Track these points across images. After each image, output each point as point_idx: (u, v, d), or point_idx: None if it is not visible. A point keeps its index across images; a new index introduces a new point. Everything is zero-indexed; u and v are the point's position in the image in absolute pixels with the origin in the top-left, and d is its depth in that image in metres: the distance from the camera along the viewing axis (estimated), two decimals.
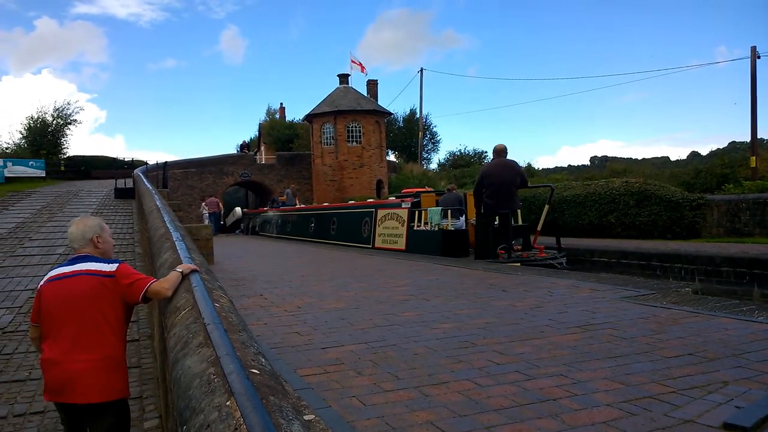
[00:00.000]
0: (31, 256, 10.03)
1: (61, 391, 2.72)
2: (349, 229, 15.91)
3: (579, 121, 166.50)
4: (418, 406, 2.99)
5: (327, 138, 30.22)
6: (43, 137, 32.42)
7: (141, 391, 4.66)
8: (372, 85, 36.03)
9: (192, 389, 1.60)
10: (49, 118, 32.99)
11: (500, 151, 10.31)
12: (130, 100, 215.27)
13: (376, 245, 14.09)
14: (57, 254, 10.01)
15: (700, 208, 15.20)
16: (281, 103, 49.98)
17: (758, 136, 23.81)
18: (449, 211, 11.57)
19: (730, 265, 11.17)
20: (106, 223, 3.26)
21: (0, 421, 4.18)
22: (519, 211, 11.41)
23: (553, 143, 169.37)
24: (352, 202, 19.13)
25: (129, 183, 20.55)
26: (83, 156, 35.98)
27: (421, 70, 37.04)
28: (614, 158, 71.50)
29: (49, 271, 3.01)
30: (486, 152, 42.83)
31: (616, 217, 16.15)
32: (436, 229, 11.52)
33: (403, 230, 12.93)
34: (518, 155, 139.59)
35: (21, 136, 32.78)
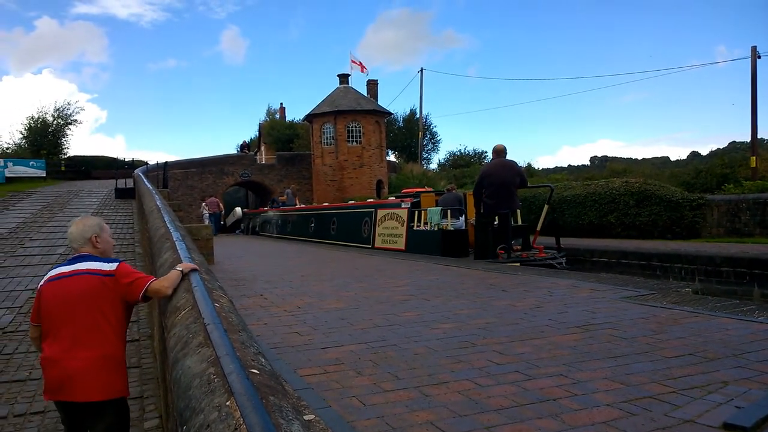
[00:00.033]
0: (31, 256, 10.04)
1: (60, 389, 2.73)
2: (349, 229, 15.91)
3: (579, 121, 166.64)
4: (418, 406, 2.99)
5: (327, 138, 30.22)
6: (44, 137, 32.44)
7: (141, 391, 4.66)
8: (372, 85, 36.04)
9: (192, 389, 1.60)
10: (50, 118, 33.06)
11: (500, 152, 10.31)
12: (131, 100, 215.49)
13: (375, 245, 14.09)
14: (57, 254, 10.01)
15: (700, 208, 15.20)
16: (281, 103, 50.10)
17: (758, 136, 23.84)
18: (449, 211, 11.57)
19: (730, 265, 11.17)
20: (107, 223, 3.27)
21: (0, 421, 4.18)
22: (519, 211, 11.41)
23: (553, 143, 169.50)
24: (352, 202, 19.14)
25: (129, 183, 20.56)
26: (84, 156, 35.98)
27: (421, 70, 37.09)
28: (614, 158, 71.55)
29: (49, 270, 3.02)
30: (486, 152, 42.85)
31: (616, 217, 16.15)
32: (436, 229, 11.53)
33: (403, 230, 12.93)
34: (518, 155, 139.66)
35: (21, 136, 32.87)
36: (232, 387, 1.43)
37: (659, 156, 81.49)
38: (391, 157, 43.07)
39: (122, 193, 19.82)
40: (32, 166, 28.34)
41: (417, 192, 14.60)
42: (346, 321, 5.24)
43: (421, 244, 12.08)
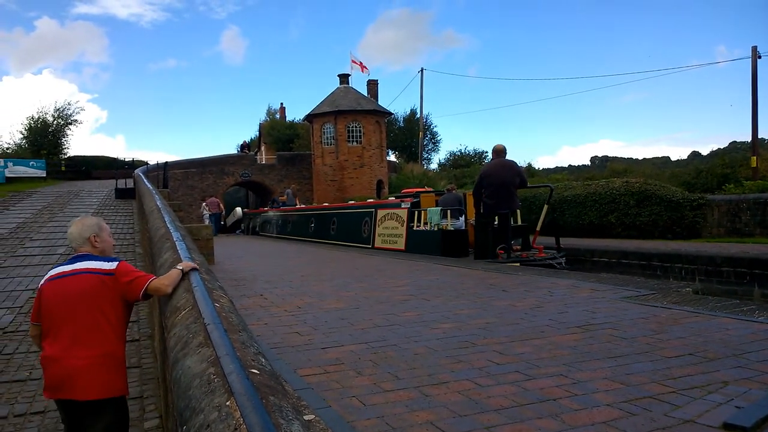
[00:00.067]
0: (32, 256, 10.04)
1: (60, 387, 2.74)
2: (349, 229, 15.91)
3: (579, 121, 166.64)
4: (418, 406, 2.99)
5: (327, 138, 30.22)
6: (44, 137, 32.44)
7: (141, 390, 4.66)
8: (372, 85, 36.05)
9: (192, 389, 1.60)
10: (50, 119, 33.05)
11: (499, 152, 10.32)
12: (131, 101, 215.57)
13: (375, 245, 14.09)
14: (58, 254, 10.01)
15: (700, 208, 15.20)
16: (281, 103, 50.09)
17: (759, 136, 23.82)
18: (449, 211, 11.57)
19: (730, 265, 11.17)
20: (107, 224, 3.28)
21: (1, 421, 4.19)
22: (518, 211, 11.41)
23: (554, 143, 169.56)
24: (352, 202, 19.14)
25: (129, 183, 20.57)
26: (84, 156, 35.97)
27: (422, 70, 37.07)
28: (615, 158, 71.56)
29: (50, 270, 3.03)
30: (486, 152, 42.84)
31: (616, 217, 16.15)
32: (436, 229, 11.53)
33: (403, 230, 12.93)
34: (519, 155, 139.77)
35: (22, 136, 32.87)
36: (232, 387, 1.43)
37: (660, 156, 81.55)
38: (392, 157, 43.09)
39: (122, 194, 19.83)
40: (32, 166, 28.34)
41: (417, 192, 14.61)
42: (346, 321, 5.24)
43: (420, 244, 12.08)
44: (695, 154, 71.06)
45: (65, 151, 34.38)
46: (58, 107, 33.43)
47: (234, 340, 1.84)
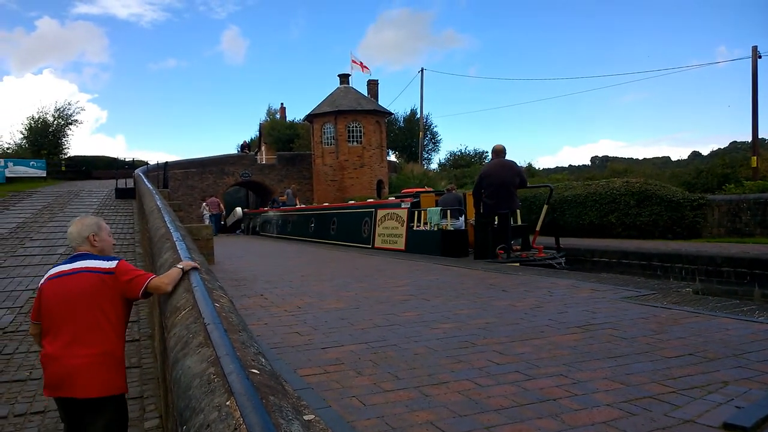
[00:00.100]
0: (32, 256, 10.04)
1: (60, 385, 2.75)
2: (349, 229, 15.91)
3: (580, 121, 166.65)
4: (418, 406, 2.99)
5: (327, 138, 30.23)
6: (44, 137, 32.46)
7: (141, 390, 4.66)
8: (372, 85, 36.05)
9: (192, 389, 1.60)
10: (50, 119, 33.07)
11: (499, 152, 10.33)
12: (131, 101, 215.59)
13: (375, 245, 14.09)
14: (58, 254, 10.01)
15: (700, 208, 15.20)
16: (282, 103, 50.10)
17: (759, 136, 23.82)
18: (448, 211, 11.57)
19: (730, 265, 11.17)
20: (107, 223, 3.28)
21: (1, 421, 4.19)
22: (518, 211, 11.41)
23: (554, 143, 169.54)
24: (353, 202, 19.15)
25: (130, 183, 20.57)
26: (84, 156, 36.00)
27: (422, 70, 37.08)
28: (615, 158, 71.56)
29: (50, 269, 3.04)
30: (486, 152, 42.81)
31: (616, 217, 16.15)
32: (436, 229, 11.53)
33: (403, 230, 12.93)
34: (519, 155, 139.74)
35: (22, 136, 32.89)
36: (232, 387, 1.43)
37: (660, 156, 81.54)
38: (392, 157, 43.10)
39: (123, 193, 19.83)
40: (33, 166, 28.36)
41: (417, 192, 14.61)
42: (346, 321, 5.24)
43: (420, 244, 12.08)
44: (695, 154, 71.10)
45: (65, 151, 34.45)
46: (58, 107, 33.52)
47: (234, 340, 1.84)
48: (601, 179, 19.79)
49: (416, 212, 12.53)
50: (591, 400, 2.99)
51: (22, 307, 7.01)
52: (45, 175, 28.42)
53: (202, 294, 2.44)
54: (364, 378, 3.51)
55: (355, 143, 29.97)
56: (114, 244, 3.30)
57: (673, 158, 77.36)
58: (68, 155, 34.53)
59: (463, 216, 11.75)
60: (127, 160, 35.83)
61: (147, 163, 29.89)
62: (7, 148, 32.35)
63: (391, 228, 13.57)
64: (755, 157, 21.58)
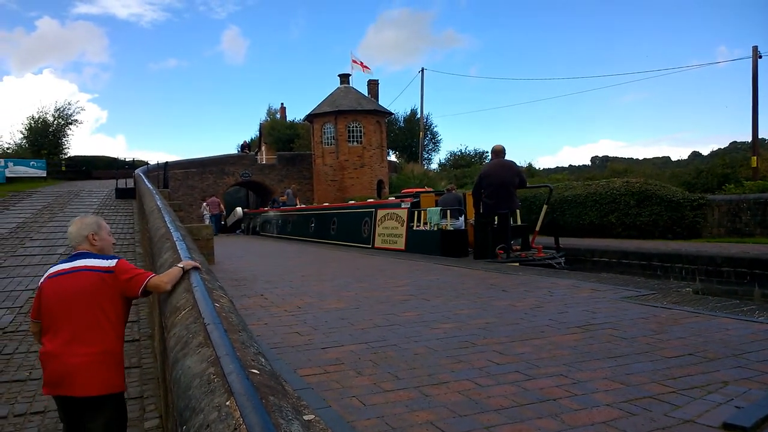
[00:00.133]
0: (32, 256, 10.04)
1: (59, 384, 2.76)
2: (349, 229, 15.92)
3: (580, 122, 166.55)
4: (418, 406, 2.99)
5: (328, 138, 30.22)
6: (44, 137, 32.46)
7: (141, 391, 4.66)
8: (373, 85, 36.03)
9: (192, 389, 1.60)
10: (50, 118, 33.06)
11: (498, 152, 10.35)
12: (132, 101, 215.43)
13: (375, 245, 14.09)
14: (58, 254, 10.01)
15: (700, 208, 15.20)
16: (282, 103, 50.10)
17: (759, 136, 23.81)
18: (448, 211, 11.58)
19: (730, 265, 11.17)
20: (107, 223, 3.29)
21: (0, 421, 4.19)
22: (518, 211, 11.42)
23: (554, 143, 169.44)
24: (353, 202, 19.15)
25: (130, 183, 20.57)
26: (84, 156, 36.00)
27: (422, 70, 37.09)
28: (615, 158, 71.52)
29: (50, 268, 3.05)
30: (487, 152, 42.80)
31: (616, 217, 16.15)
32: (436, 229, 11.53)
33: (403, 230, 12.93)
34: (519, 155, 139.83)
35: (22, 136, 32.88)
36: (232, 387, 1.43)
37: (660, 156, 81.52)
38: (392, 157, 43.11)
39: (123, 193, 19.83)
40: (33, 166, 28.35)
41: (417, 192, 14.61)
42: (347, 321, 5.24)
43: (420, 244, 12.08)
44: (696, 154, 71.09)
45: (65, 151, 34.45)
46: (58, 107, 33.50)
47: (234, 340, 1.84)
48: (601, 179, 19.80)
49: (416, 212, 12.53)
50: (591, 400, 2.99)
51: (21, 307, 7.01)
52: (45, 175, 28.42)
53: (202, 294, 2.43)
54: (364, 378, 3.51)
55: (355, 143, 29.97)
56: (114, 244, 3.30)
57: (673, 158, 77.43)
58: (68, 155, 34.55)
59: (462, 216, 11.75)
60: (127, 160, 35.83)
61: (147, 163, 29.88)
62: (7, 148, 32.36)
63: (391, 228, 13.58)
64: (755, 157, 21.58)
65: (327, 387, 3.36)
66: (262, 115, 59.37)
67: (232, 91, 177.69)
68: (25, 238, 11.82)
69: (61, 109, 33.43)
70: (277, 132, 42.06)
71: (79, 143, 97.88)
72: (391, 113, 34.85)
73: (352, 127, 29.91)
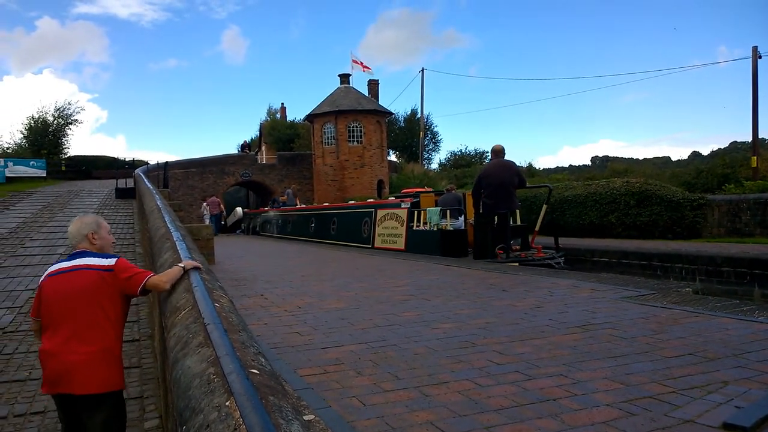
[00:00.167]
0: (32, 255, 10.04)
1: (58, 381, 2.77)
2: (349, 229, 15.92)
3: (580, 122, 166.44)
4: (418, 406, 2.99)
5: (328, 138, 30.22)
6: (44, 137, 32.46)
7: (141, 391, 4.66)
8: (373, 85, 36.02)
9: (192, 389, 1.60)
10: (50, 118, 33.08)
11: (498, 152, 10.36)
12: (132, 100, 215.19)
13: (375, 245, 14.10)
14: (58, 254, 10.01)
15: (700, 208, 15.20)
16: (282, 103, 50.11)
17: (759, 136, 23.82)
18: (448, 211, 11.58)
19: (730, 265, 11.17)
20: (107, 223, 3.29)
21: (0, 421, 4.19)
22: (518, 211, 11.42)
23: (554, 143, 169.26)
24: (353, 202, 19.15)
25: (130, 183, 20.57)
26: (84, 156, 36.01)
27: (422, 70, 37.11)
28: (615, 158, 71.46)
29: (50, 266, 3.06)
30: (487, 152, 42.81)
31: (616, 217, 16.15)
32: (435, 229, 11.53)
33: (403, 230, 12.93)
34: (519, 155, 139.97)
35: (22, 136, 32.90)
36: (231, 387, 1.43)
37: (660, 156, 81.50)
38: (392, 157, 43.11)
39: (123, 193, 19.83)
40: (33, 166, 28.36)
41: (416, 192, 14.62)
42: (347, 321, 5.24)
43: (420, 244, 12.08)
44: (696, 154, 71.10)
45: (65, 150, 34.46)
46: (58, 107, 33.53)
47: (234, 340, 1.84)
48: (601, 179, 19.80)
49: (416, 212, 12.54)
50: (591, 400, 2.99)
51: (21, 307, 7.01)
52: (45, 174, 28.42)
53: (202, 294, 2.43)
54: (364, 378, 3.51)
55: (355, 143, 29.97)
56: (114, 243, 3.31)
57: (674, 158, 77.41)
58: (68, 155, 34.56)
59: (462, 216, 11.76)
60: (127, 159, 35.82)
61: (147, 163, 29.89)
62: (7, 148, 32.38)
63: (390, 228, 13.58)
64: (755, 157, 21.58)
65: (327, 387, 3.36)
66: (262, 115, 59.47)
67: (232, 91, 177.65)
68: (25, 238, 11.82)
69: (61, 109, 33.49)
70: (278, 132, 42.06)
71: (79, 143, 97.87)
72: (391, 113, 34.85)
73: (353, 127, 29.91)
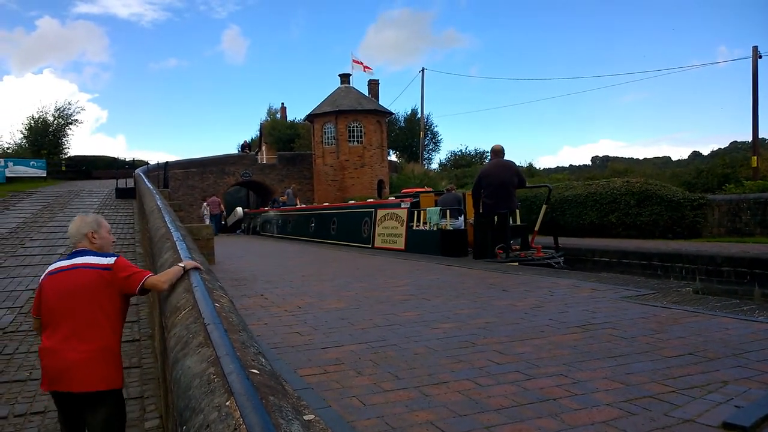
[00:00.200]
0: (32, 256, 10.05)
1: (57, 379, 2.78)
2: (349, 229, 15.92)
3: (580, 121, 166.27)
4: (418, 406, 3.00)
5: (328, 138, 30.22)
6: (44, 137, 32.46)
7: (142, 391, 4.67)
8: (373, 85, 36.03)
9: (192, 389, 1.60)
10: (50, 118, 33.07)
11: (497, 152, 10.37)
12: (132, 100, 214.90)
13: (375, 245, 14.10)
14: (58, 254, 10.01)
15: (701, 207, 15.20)
16: (282, 103, 50.09)
17: (759, 136, 23.81)
18: (448, 211, 11.59)
19: (730, 264, 11.17)
20: (108, 223, 3.30)
21: (1, 422, 4.19)
22: (517, 211, 11.42)
23: (555, 143, 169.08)
24: (353, 202, 19.16)
25: (130, 183, 20.58)
26: (84, 156, 36.00)
27: (423, 70, 37.11)
28: (615, 158, 71.43)
29: (50, 265, 3.07)
30: (487, 152, 42.81)
31: (617, 216, 16.15)
32: (435, 229, 11.54)
33: (403, 230, 12.94)
34: (519, 155, 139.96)
35: (22, 136, 32.90)
36: (232, 387, 1.43)
37: (660, 156, 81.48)
38: (393, 157, 43.12)
39: (123, 193, 19.84)
40: (33, 166, 28.36)
41: (416, 192, 14.63)
42: (347, 321, 5.24)
43: (420, 244, 12.09)
44: (696, 154, 71.10)
45: (66, 150, 34.46)
46: (58, 107, 33.52)
47: (234, 340, 1.84)
48: (601, 179, 19.80)
49: (416, 212, 12.54)
50: (591, 400, 2.99)
51: (22, 307, 7.01)
52: (45, 175, 28.42)
53: (202, 294, 2.44)
54: (364, 378, 3.51)
55: (355, 143, 29.97)
56: (114, 242, 3.32)
57: (674, 158, 77.36)
58: (68, 155, 34.55)
59: (462, 216, 11.76)
60: (127, 159, 35.81)
61: (147, 163, 29.90)
62: (7, 148, 32.37)
63: (390, 228, 13.58)
64: (755, 157, 21.59)
65: (327, 387, 3.36)
66: (263, 115, 59.47)
67: (233, 91, 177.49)
68: (25, 238, 11.83)
69: (61, 108, 33.48)
70: (278, 132, 42.07)
71: (79, 143, 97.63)
72: (391, 113, 34.86)
73: (353, 126, 29.91)
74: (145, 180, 15.21)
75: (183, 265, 3.01)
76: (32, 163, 28.63)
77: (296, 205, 24.71)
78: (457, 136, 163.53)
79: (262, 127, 46.10)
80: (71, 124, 34.01)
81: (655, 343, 4.05)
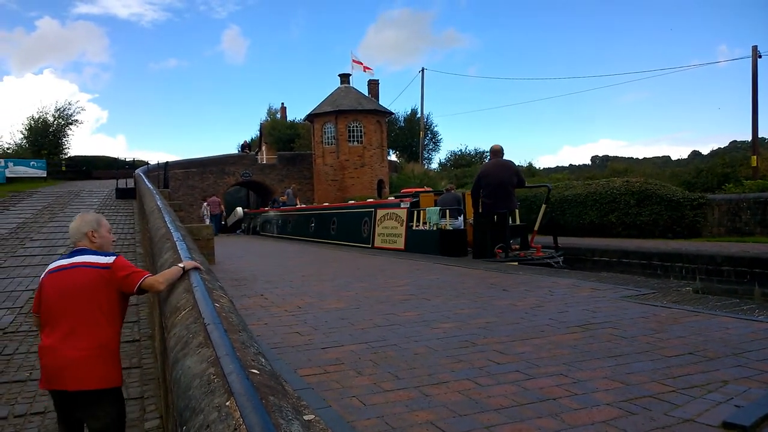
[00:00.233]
0: (32, 256, 10.05)
1: (56, 378, 2.79)
2: (349, 229, 15.93)
3: (580, 121, 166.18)
4: (418, 406, 3.00)
5: (328, 138, 30.23)
6: (45, 137, 32.46)
7: (142, 391, 4.67)
8: (373, 84, 36.01)
9: (192, 389, 1.60)
10: (51, 119, 33.06)
11: (497, 152, 10.38)
12: (132, 101, 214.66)
13: (375, 245, 14.10)
14: (58, 254, 10.00)
15: (700, 207, 15.20)
16: (282, 103, 50.09)
17: (759, 136, 23.82)
18: (447, 211, 11.59)
19: (730, 264, 11.17)
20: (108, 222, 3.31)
21: (1, 422, 4.19)
22: (517, 210, 11.43)
23: (555, 143, 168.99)
24: (353, 201, 19.16)
25: (130, 183, 20.57)
26: (84, 156, 36.00)
27: (422, 69, 37.10)
28: (615, 158, 71.37)
29: (50, 263, 3.08)
30: (487, 152, 42.79)
31: (617, 216, 16.15)
32: (435, 228, 11.54)
33: (402, 230, 12.94)
34: (519, 155, 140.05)
35: (22, 136, 32.89)
36: (232, 387, 1.43)
37: (660, 155, 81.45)
38: (392, 157, 43.13)
39: (123, 193, 19.84)
40: (33, 166, 28.35)
41: (416, 192, 14.63)
42: (347, 321, 5.24)
43: (420, 243, 12.09)
44: (695, 154, 71.12)
45: (66, 151, 34.45)
46: (58, 107, 33.50)
47: (234, 340, 1.84)
48: (601, 179, 19.81)
49: (415, 212, 12.54)
50: (591, 400, 2.99)
51: (22, 307, 7.01)
52: (45, 175, 28.41)
53: (202, 294, 2.44)
54: (364, 378, 3.51)
55: (355, 143, 29.97)
56: (114, 242, 3.33)
57: (673, 158, 77.35)
58: (68, 155, 34.54)
59: (462, 216, 11.76)
60: (127, 160, 35.85)
61: (147, 163, 29.90)
62: (8, 148, 32.36)
63: (390, 228, 13.58)
64: (755, 157, 21.59)
65: (327, 387, 3.36)
66: (263, 115, 59.48)
67: (233, 91, 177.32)
68: (25, 238, 11.82)
69: (62, 109, 33.47)
70: (278, 132, 42.07)
71: (79, 143, 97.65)
72: (391, 113, 34.86)
73: (353, 126, 29.92)
74: (145, 180, 15.21)
75: (183, 266, 3.01)
76: (32, 163, 28.62)
77: (296, 205, 24.71)
78: (456, 136, 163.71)
79: (262, 127, 46.10)
80: (71, 124, 34.05)
81: (655, 343, 4.05)
